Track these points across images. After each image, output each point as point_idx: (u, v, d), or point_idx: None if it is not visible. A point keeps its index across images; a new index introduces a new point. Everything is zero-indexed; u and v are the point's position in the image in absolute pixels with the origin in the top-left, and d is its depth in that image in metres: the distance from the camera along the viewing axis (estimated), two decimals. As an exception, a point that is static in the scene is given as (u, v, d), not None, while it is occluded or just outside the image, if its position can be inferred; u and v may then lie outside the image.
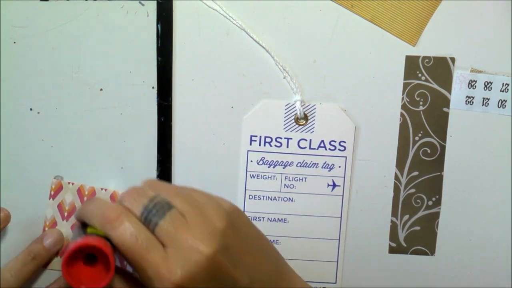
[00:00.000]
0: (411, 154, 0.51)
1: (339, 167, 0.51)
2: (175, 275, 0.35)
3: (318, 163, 0.51)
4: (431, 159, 0.51)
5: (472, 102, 0.51)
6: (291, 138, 0.51)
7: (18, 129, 0.49)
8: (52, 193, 0.50)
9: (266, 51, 0.49)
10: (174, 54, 0.49)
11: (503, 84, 0.50)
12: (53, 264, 0.50)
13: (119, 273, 0.39)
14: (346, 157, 0.51)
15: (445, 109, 0.51)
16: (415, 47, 0.49)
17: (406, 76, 0.50)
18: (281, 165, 0.51)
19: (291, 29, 0.49)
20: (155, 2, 0.48)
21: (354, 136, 0.51)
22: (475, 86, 0.50)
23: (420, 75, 0.50)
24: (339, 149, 0.51)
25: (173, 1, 0.48)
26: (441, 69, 0.50)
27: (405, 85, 0.50)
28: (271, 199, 0.51)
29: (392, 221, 0.52)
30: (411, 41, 0.49)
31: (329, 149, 0.51)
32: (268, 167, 0.51)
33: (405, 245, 0.53)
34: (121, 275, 0.39)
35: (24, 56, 0.48)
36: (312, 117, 0.50)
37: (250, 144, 0.51)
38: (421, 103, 0.50)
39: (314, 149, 0.51)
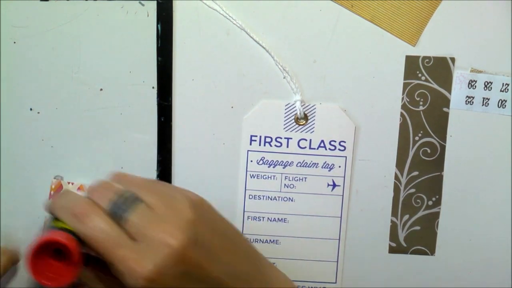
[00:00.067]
0: (411, 154, 0.51)
1: (339, 167, 0.51)
2: (146, 270, 0.34)
3: (318, 163, 0.51)
4: (431, 159, 0.51)
5: (472, 102, 0.51)
6: (291, 138, 0.51)
7: (18, 129, 0.49)
8: (52, 193, 0.50)
9: (266, 51, 0.49)
10: (174, 54, 0.49)
11: (503, 84, 0.50)
12: None
13: (94, 263, 0.38)
14: (346, 157, 0.51)
15: (445, 109, 0.51)
16: (415, 47, 0.49)
17: (406, 76, 0.50)
18: (281, 165, 0.51)
19: (291, 29, 0.49)
20: (155, 2, 0.48)
21: (354, 136, 0.51)
22: (475, 86, 0.50)
23: (420, 75, 0.50)
24: (339, 149, 0.51)
25: (173, 1, 0.48)
26: (441, 69, 0.50)
27: (405, 85, 0.50)
28: (271, 199, 0.52)
29: (392, 221, 0.52)
30: (411, 41, 0.49)
31: (329, 149, 0.51)
32: (268, 167, 0.51)
33: (405, 245, 0.53)
34: (95, 266, 0.38)
35: (24, 56, 0.48)
36: (312, 117, 0.50)
37: (250, 144, 0.51)
38: (421, 103, 0.50)
39: (314, 149, 0.51)
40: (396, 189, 0.52)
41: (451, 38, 0.49)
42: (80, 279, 0.38)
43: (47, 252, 0.37)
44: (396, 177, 0.52)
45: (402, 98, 0.50)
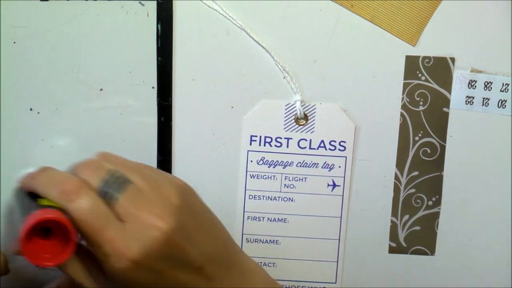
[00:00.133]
0: (411, 154, 0.51)
1: (339, 167, 0.51)
2: (132, 251, 0.34)
3: (318, 163, 0.51)
4: (431, 159, 0.51)
5: (472, 102, 0.51)
6: (291, 138, 0.51)
7: (18, 129, 0.49)
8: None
9: (266, 51, 0.49)
10: (174, 54, 0.49)
11: (503, 84, 0.50)
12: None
13: (78, 253, 0.37)
14: (346, 157, 0.51)
15: (445, 109, 0.51)
16: (415, 47, 0.49)
17: (406, 76, 0.50)
18: (281, 165, 0.51)
19: (291, 29, 0.49)
20: (155, 2, 0.48)
21: (354, 136, 0.51)
22: (475, 86, 0.50)
23: (420, 75, 0.50)
24: (339, 149, 0.51)
25: (173, 1, 0.48)
26: (441, 69, 0.50)
27: (405, 85, 0.50)
28: (271, 199, 0.51)
29: (392, 221, 0.52)
30: (411, 41, 0.49)
31: (329, 149, 0.51)
32: (268, 167, 0.51)
33: (405, 245, 0.53)
34: (79, 256, 0.37)
35: (24, 56, 0.48)
36: (312, 117, 0.50)
37: (250, 144, 0.51)
38: (421, 103, 0.50)
39: (314, 149, 0.51)
40: (396, 189, 0.52)
41: (451, 38, 0.49)
42: (64, 270, 0.37)
43: (36, 233, 0.35)
44: (396, 177, 0.52)
45: (402, 98, 0.50)
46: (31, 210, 0.35)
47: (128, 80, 0.49)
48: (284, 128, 0.50)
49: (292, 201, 0.52)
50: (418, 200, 0.52)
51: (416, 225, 0.52)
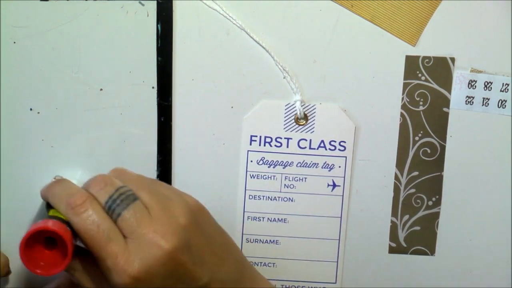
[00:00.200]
0: (411, 154, 0.51)
1: (339, 167, 0.51)
2: (132, 267, 0.34)
3: (318, 163, 0.51)
4: (431, 159, 0.51)
5: (472, 102, 0.51)
6: (291, 138, 0.51)
7: (18, 129, 0.49)
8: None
9: (266, 51, 0.49)
10: (174, 54, 0.49)
11: (503, 84, 0.50)
12: None
13: (82, 255, 0.38)
14: (346, 157, 0.51)
15: (445, 109, 0.51)
16: (415, 47, 0.49)
17: (406, 76, 0.50)
18: (281, 165, 0.51)
19: (291, 29, 0.49)
20: (155, 2, 0.48)
21: (354, 136, 0.51)
22: (475, 86, 0.50)
23: (420, 75, 0.50)
24: (339, 149, 0.51)
25: (173, 1, 0.48)
26: (441, 69, 0.50)
27: (405, 85, 0.50)
28: (271, 199, 0.51)
29: (392, 221, 0.52)
30: (411, 41, 0.49)
31: (329, 149, 0.51)
32: (268, 167, 0.51)
33: (405, 245, 0.53)
34: (83, 259, 0.38)
35: (24, 56, 0.48)
36: (312, 117, 0.50)
37: (250, 144, 0.51)
38: (421, 103, 0.50)
39: (314, 149, 0.51)
40: (396, 189, 0.52)
41: (451, 38, 0.49)
42: (68, 270, 0.38)
43: (40, 240, 0.36)
44: (396, 177, 0.52)
45: (402, 98, 0.50)
46: (39, 219, 0.37)
47: (128, 80, 0.49)
48: (284, 128, 0.50)
49: (292, 201, 0.52)
50: (418, 200, 0.52)
51: (416, 225, 0.52)
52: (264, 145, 0.51)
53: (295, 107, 0.50)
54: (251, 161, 0.51)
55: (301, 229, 0.52)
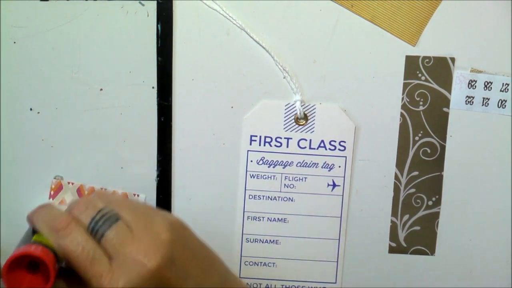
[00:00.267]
0: (411, 154, 0.51)
1: (339, 167, 0.51)
2: (117, 286, 0.35)
3: (318, 163, 0.51)
4: (431, 159, 0.51)
5: (472, 102, 0.51)
6: (291, 138, 0.51)
7: (18, 129, 0.49)
8: (52, 193, 0.50)
9: (266, 51, 0.49)
10: (174, 54, 0.49)
11: (503, 84, 0.50)
12: None
13: (68, 276, 0.39)
14: (346, 157, 0.51)
15: (445, 109, 0.51)
16: (415, 47, 0.49)
17: (406, 76, 0.50)
18: (281, 165, 0.51)
19: (291, 29, 0.49)
20: (155, 2, 0.48)
21: (354, 136, 0.51)
22: (475, 86, 0.50)
23: (420, 75, 0.50)
24: (339, 149, 0.51)
25: (173, 1, 0.48)
26: (441, 69, 0.50)
27: (405, 85, 0.50)
28: (271, 199, 0.52)
29: (392, 221, 0.52)
30: (411, 41, 0.49)
31: (329, 149, 0.51)
32: (268, 167, 0.51)
33: (405, 245, 0.53)
34: (69, 280, 0.39)
35: (24, 56, 0.48)
36: (312, 117, 0.50)
37: (250, 144, 0.51)
38: (421, 103, 0.50)
39: (314, 149, 0.51)
40: (396, 189, 0.52)
41: (451, 38, 0.49)
42: None
43: (24, 264, 0.37)
44: (396, 177, 0.52)
45: (402, 98, 0.50)
46: (23, 243, 0.38)
47: (128, 80, 0.49)
48: (284, 128, 0.50)
49: (292, 201, 0.52)
50: (418, 200, 0.52)
51: (416, 225, 0.52)
52: (264, 145, 0.51)
53: (295, 107, 0.50)
54: (251, 161, 0.51)
55: (301, 229, 0.52)
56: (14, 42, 0.48)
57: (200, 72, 0.49)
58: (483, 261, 0.53)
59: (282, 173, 0.51)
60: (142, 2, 0.48)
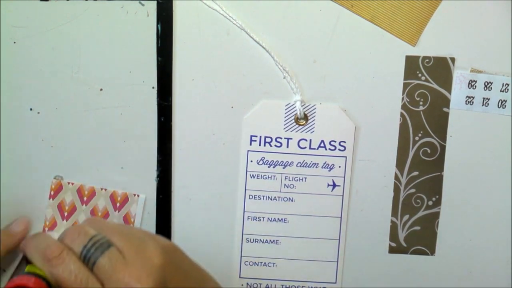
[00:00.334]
0: (411, 154, 0.51)
1: (339, 167, 0.51)
2: None
3: (318, 163, 0.51)
4: (431, 159, 0.51)
5: (472, 102, 0.51)
6: (291, 138, 0.51)
7: (18, 129, 0.49)
8: (52, 193, 0.50)
9: (266, 51, 0.49)
10: (174, 54, 0.49)
11: (503, 84, 0.50)
12: None
13: None
14: (346, 157, 0.51)
15: (445, 109, 0.51)
16: (415, 47, 0.49)
17: (406, 76, 0.50)
18: (281, 165, 0.51)
19: (291, 29, 0.49)
20: (155, 2, 0.48)
21: (354, 136, 0.51)
22: (475, 86, 0.50)
23: (420, 75, 0.50)
24: (339, 149, 0.51)
25: (173, 1, 0.48)
26: (441, 69, 0.50)
27: (405, 85, 0.50)
28: (271, 199, 0.51)
29: (392, 221, 0.52)
30: (411, 41, 0.49)
31: (329, 149, 0.51)
32: (268, 167, 0.51)
33: (405, 245, 0.53)
34: None
35: (24, 56, 0.48)
36: (312, 117, 0.50)
37: (250, 144, 0.51)
38: (421, 103, 0.50)
39: (314, 149, 0.51)
40: (396, 189, 0.52)
41: (451, 38, 0.49)
42: None
43: None
44: (396, 177, 0.52)
45: (402, 98, 0.50)
46: (17, 274, 0.39)
47: (128, 80, 0.49)
48: (284, 128, 0.50)
49: (292, 201, 0.52)
50: (418, 200, 0.52)
51: (416, 225, 0.52)
52: (264, 145, 0.51)
53: (295, 107, 0.50)
54: (251, 161, 0.51)
55: (301, 229, 0.52)
56: (14, 42, 0.48)
57: (200, 72, 0.49)
58: (483, 261, 0.53)
59: (282, 173, 0.51)
60: (142, 2, 0.48)
